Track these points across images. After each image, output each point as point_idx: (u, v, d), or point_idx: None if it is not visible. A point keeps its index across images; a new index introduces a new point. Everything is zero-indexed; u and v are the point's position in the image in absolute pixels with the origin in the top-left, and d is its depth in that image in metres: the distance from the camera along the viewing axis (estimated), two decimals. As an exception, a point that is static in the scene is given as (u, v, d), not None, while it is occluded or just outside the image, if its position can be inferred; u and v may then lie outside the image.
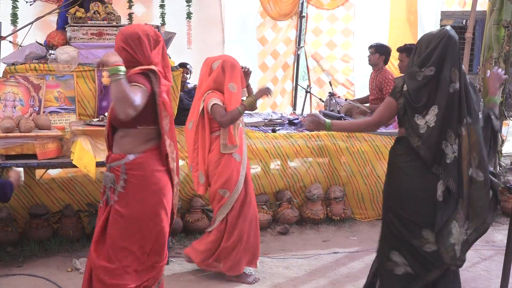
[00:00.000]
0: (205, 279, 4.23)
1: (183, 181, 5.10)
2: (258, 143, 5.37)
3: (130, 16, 6.41)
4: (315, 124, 3.39)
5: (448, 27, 3.24)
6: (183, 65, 6.05)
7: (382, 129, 5.84)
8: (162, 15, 6.46)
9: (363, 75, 7.78)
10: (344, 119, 5.78)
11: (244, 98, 4.19)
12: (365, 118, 3.44)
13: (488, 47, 5.75)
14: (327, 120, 3.36)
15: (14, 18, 5.60)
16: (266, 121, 6.08)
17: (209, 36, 7.31)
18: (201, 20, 7.03)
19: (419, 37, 7.92)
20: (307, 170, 5.53)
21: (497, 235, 5.38)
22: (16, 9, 5.62)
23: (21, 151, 4.19)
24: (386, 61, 6.43)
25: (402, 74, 5.62)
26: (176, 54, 6.34)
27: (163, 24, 6.47)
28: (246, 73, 4.30)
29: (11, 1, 5.56)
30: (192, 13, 6.56)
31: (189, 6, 6.52)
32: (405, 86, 3.21)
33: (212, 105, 4.05)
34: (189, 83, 6.46)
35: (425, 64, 3.18)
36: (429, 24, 7.70)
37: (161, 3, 6.48)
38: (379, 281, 3.48)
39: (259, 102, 7.62)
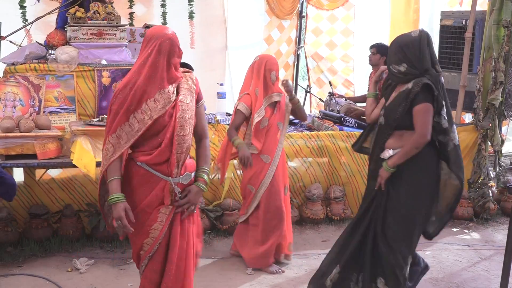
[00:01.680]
0: (204, 277, 4.22)
1: (182, 181, 5.09)
2: (258, 143, 5.37)
3: (131, 15, 6.41)
4: (381, 177, 3.57)
5: (420, 28, 3.63)
6: (184, 65, 6.05)
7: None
8: (164, 15, 6.46)
9: (363, 75, 7.78)
10: (344, 119, 5.78)
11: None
12: (412, 137, 3.45)
13: (488, 47, 5.75)
14: (384, 164, 3.53)
15: (23, 16, 5.61)
16: (266, 121, 6.08)
17: (212, 36, 7.30)
18: (204, 19, 7.02)
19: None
20: (307, 170, 5.53)
21: (497, 235, 5.38)
22: (24, 9, 5.62)
23: (21, 151, 4.19)
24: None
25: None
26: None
27: (165, 23, 6.46)
28: (285, 86, 4.39)
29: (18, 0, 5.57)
30: (194, 13, 6.55)
31: (191, 5, 6.52)
32: (434, 90, 3.42)
33: (236, 109, 4.35)
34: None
35: (433, 65, 3.48)
36: (430, 23, 7.71)
37: (162, 2, 6.47)
38: (388, 282, 3.55)
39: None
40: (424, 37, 3.47)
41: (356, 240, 3.63)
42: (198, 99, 3.03)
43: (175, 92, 2.91)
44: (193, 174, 3.00)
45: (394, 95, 3.57)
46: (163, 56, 2.84)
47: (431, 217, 3.61)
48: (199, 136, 3.08)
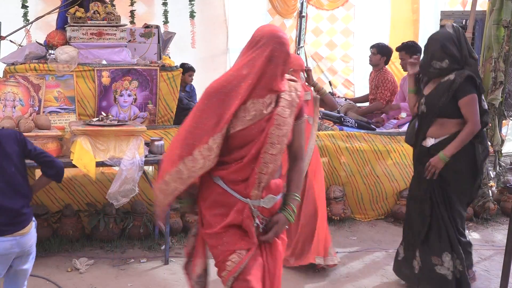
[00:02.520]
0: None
1: (182, 181, 5.09)
2: (258, 143, 5.36)
3: (132, 13, 6.40)
4: (436, 167, 3.75)
5: (450, 24, 3.84)
6: (186, 67, 6.05)
7: (382, 129, 5.85)
8: (165, 14, 6.45)
9: (363, 75, 7.79)
10: (344, 119, 5.78)
11: None
12: (465, 127, 3.70)
13: (488, 47, 5.75)
14: (441, 154, 3.71)
15: (25, 16, 5.62)
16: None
17: (213, 36, 7.31)
18: (204, 19, 7.02)
19: (420, 37, 7.95)
20: (307, 170, 5.52)
21: (497, 235, 5.38)
22: (27, 8, 5.64)
23: None
24: (387, 62, 6.41)
25: (405, 72, 5.80)
26: (179, 53, 6.33)
27: (166, 22, 6.45)
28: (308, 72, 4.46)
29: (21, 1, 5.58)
30: (195, 12, 6.55)
31: (192, 4, 6.51)
32: (477, 80, 3.73)
33: None
34: (191, 84, 6.47)
35: (470, 54, 3.76)
36: (430, 23, 7.71)
37: (163, 1, 6.46)
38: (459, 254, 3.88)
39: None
40: (460, 32, 3.77)
41: (417, 222, 3.95)
42: (300, 115, 2.61)
43: (272, 103, 2.50)
44: (278, 196, 2.58)
45: (434, 86, 3.82)
46: (271, 64, 2.46)
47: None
48: (294, 156, 2.66)
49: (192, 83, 6.47)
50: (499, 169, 6.01)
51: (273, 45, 2.47)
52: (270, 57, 2.46)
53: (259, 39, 2.53)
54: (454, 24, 3.82)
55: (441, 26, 6.61)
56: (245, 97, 2.43)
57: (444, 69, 3.72)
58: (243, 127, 2.44)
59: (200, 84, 6.64)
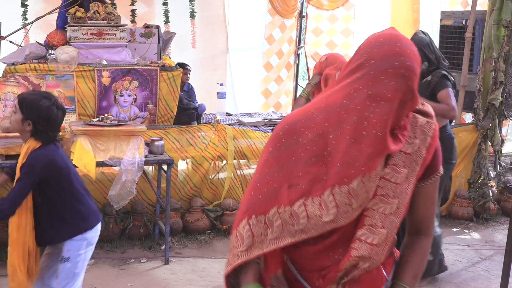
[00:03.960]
0: (205, 279, 4.23)
1: (183, 181, 5.09)
2: (258, 143, 5.35)
3: (132, 12, 6.39)
4: None
5: (419, 30, 4.28)
6: (182, 65, 6.05)
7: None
8: (166, 13, 6.44)
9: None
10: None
11: None
12: (443, 105, 4.05)
13: (488, 47, 5.75)
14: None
15: (24, 15, 5.62)
16: (266, 121, 6.08)
17: (213, 36, 7.31)
18: (204, 19, 7.03)
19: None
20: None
21: (497, 235, 5.38)
22: (26, 7, 5.64)
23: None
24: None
25: None
26: (179, 53, 6.32)
27: (167, 21, 6.45)
28: None
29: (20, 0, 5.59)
30: (195, 12, 6.54)
31: (192, 4, 6.51)
32: (451, 79, 4.10)
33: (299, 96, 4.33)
34: (189, 83, 6.46)
35: (443, 59, 4.15)
36: (430, 23, 7.71)
37: (164, 1, 6.45)
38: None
39: (261, 102, 7.61)
40: (429, 36, 4.15)
41: None
42: (430, 172, 1.62)
43: (383, 163, 1.53)
44: None
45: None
46: (385, 104, 1.45)
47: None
48: (415, 229, 1.71)
49: (192, 83, 6.47)
50: (499, 169, 6.00)
51: (386, 67, 1.45)
52: (376, 92, 1.45)
53: (365, 60, 1.49)
54: (423, 30, 4.25)
55: (441, 26, 6.60)
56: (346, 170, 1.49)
57: (423, 71, 4.04)
58: (346, 219, 1.52)
59: (200, 84, 6.64)
